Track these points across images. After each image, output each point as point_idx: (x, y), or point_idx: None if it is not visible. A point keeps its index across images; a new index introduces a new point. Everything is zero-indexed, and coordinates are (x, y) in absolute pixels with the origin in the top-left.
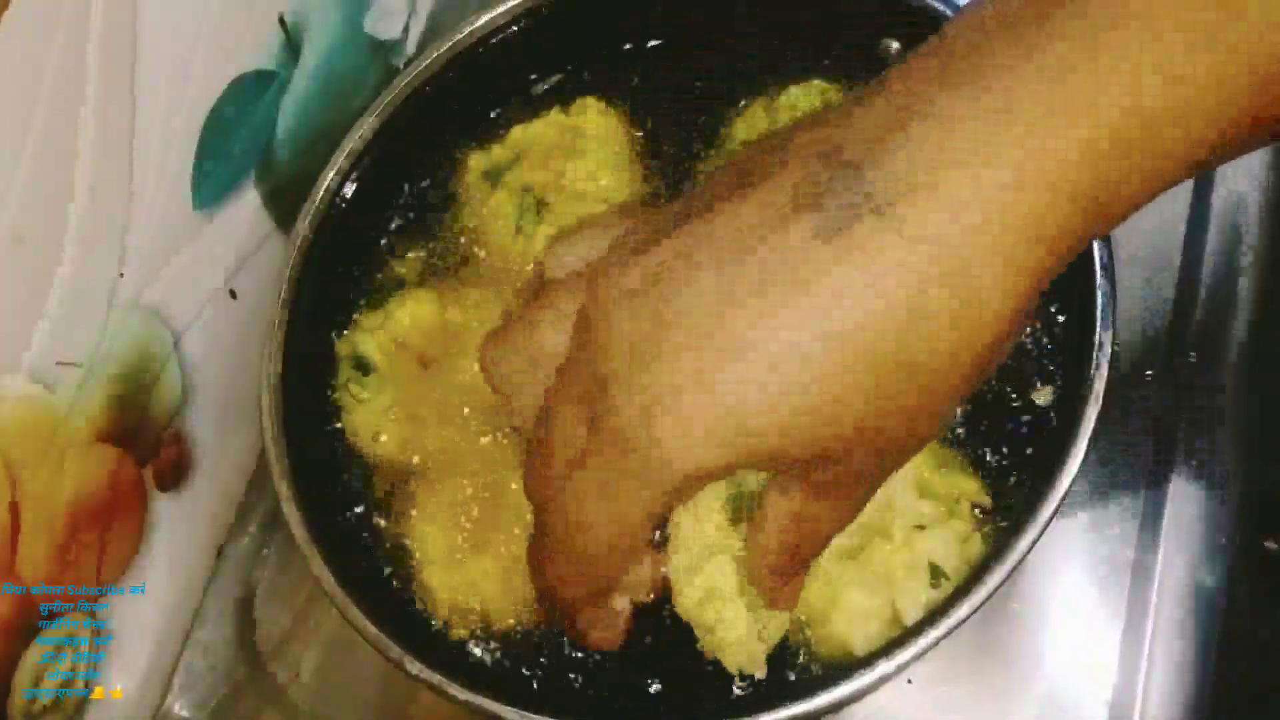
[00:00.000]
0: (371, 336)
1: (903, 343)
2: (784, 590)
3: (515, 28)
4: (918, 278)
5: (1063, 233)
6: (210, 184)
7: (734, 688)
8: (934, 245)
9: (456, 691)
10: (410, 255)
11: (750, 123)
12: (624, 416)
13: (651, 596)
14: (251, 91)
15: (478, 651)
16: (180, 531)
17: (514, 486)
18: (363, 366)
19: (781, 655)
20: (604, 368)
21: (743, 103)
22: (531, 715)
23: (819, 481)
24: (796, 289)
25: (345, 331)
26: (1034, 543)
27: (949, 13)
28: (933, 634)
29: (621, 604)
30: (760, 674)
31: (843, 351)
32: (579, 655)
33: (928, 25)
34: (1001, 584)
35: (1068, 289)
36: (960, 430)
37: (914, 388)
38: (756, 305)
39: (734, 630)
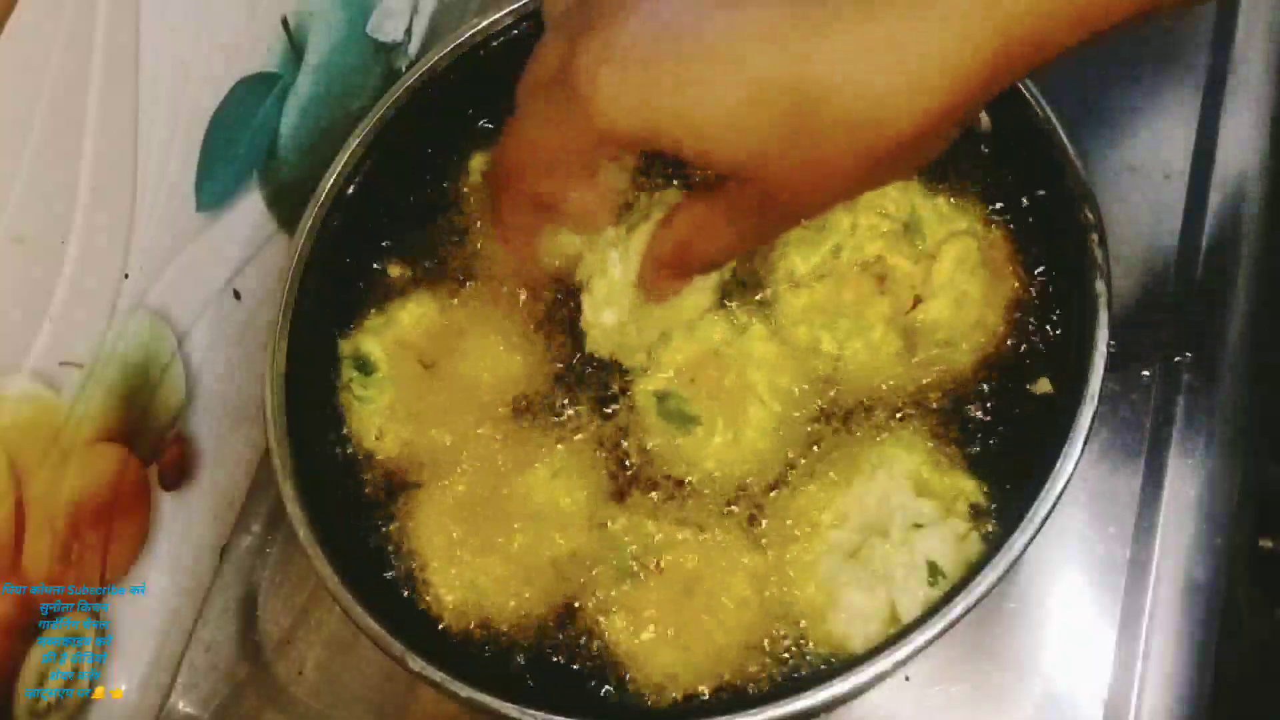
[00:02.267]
0: (374, 336)
1: (833, 99)
2: (660, 285)
3: (516, 30)
4: (866, 48)
5: (999, 55)
6: (214, 185)
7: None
8: (888, 26)
9: (458, 688)
10: (412, 256)
11: None
12: (582, 60)
13: (586, 228)
14: (255, 94)
15: (479, 648)
16: (183, 530)
17: (514, 485)
18: (365, 366)
19: (780, 653)
20: (592, 17)
21: None
22: (531, 712)
23: (729, 198)
24: (758, 23)
25: (348, 332)
26: (1030, 541)
27: None
28: (929, 632)
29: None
30: None
31: (777, 89)
32: (579, 653)
33: None
34: (998, 582)
35: (1065, 290)
36: (958, 430)
37: (830, 143)
38: (723, 19)
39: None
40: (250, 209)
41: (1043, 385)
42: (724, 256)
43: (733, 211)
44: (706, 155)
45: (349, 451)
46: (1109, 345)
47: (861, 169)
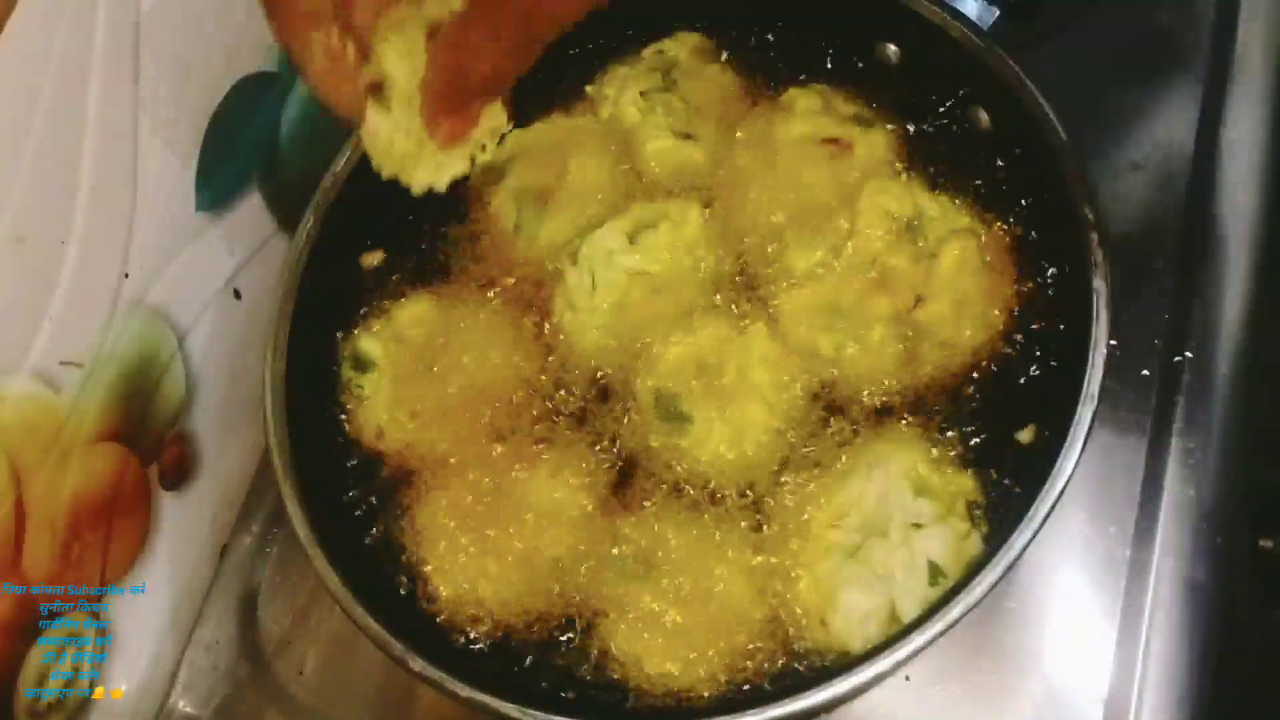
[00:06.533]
0: (373, 335)
1: None
2: (443, 124)
3: None
4: None
5: None
6: (214, 185)
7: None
8: None
9: (458, 688)
10: (412, 255)
11: (750, 124)
12: None
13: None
14: (254, 93)
15: (479, 648)
16: (183, 530)
17: (514, 484)
18: (364, 365)
19: (780, 653)
20: None
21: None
22: (531, 712)
23: (489, 13)
24: None
25: (347, 331)
26: (1030, 541)
27: (947, 17)
28: (930, 632)
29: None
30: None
31: None
32: (578, 652)
33: (924, 30)
34: (998, 582)
35: (1065, 289)
36: (957, 429)
37: None
38: None
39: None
40: (250, 209)
41: (1042, 385)
42: (495, 75)
43: (494, 26)
44: None
45: (349, 451)
46: (1109, 345)
47: None
